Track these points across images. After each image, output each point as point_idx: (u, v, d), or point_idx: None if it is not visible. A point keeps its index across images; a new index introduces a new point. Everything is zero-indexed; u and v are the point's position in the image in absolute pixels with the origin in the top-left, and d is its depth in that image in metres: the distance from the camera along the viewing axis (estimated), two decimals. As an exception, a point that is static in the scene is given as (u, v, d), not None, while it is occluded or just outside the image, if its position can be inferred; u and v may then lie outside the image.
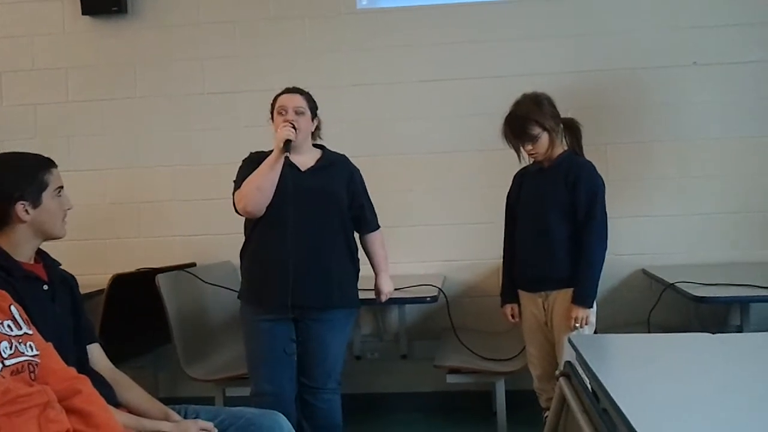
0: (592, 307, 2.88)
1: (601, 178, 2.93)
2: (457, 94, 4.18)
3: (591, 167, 2.94)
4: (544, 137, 2.90)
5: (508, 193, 3.17)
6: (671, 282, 3.33)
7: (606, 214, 2.90)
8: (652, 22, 4.08)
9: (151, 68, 4.35)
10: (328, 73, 4.18)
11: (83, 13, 4.32)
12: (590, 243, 2.87)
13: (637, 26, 4.10)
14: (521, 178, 3.12)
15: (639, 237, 3.94)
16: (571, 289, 2.89)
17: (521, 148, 2.96)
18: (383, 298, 3.12)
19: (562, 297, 2.92)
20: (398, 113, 4.22)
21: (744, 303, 3.38)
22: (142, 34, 4.34)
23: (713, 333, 2.05)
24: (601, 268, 2.91)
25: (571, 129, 3.00)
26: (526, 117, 2.89)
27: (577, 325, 2.84)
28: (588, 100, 3.92)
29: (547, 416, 2.68)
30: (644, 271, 3.91)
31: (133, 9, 4.34)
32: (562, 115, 2.99)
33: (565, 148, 3.00)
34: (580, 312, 2.85)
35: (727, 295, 3.16)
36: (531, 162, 3.04)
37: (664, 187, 4.07)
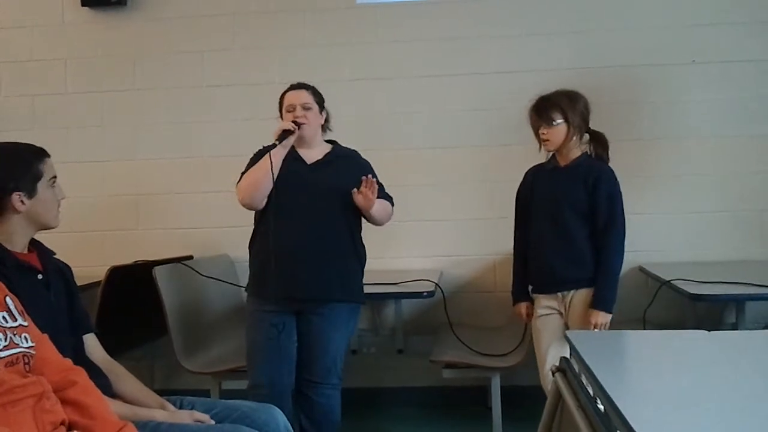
0: (612, 312, 2.87)
1: (618, 183, 2.93)
2: (456, 90, 4.17)
3: (611, 171, 2.93)
4: (562, 128, 2.89)
5: (519, 190, 3.14)
6: (667, 279, 3.34)
7: (624, 217, 2.90)
8: (652, 19, 4.08)
9: (151, 60, 4.34)
10: (327, 67, 4.17)
11: (83, 5, 4.31)
12: (611, 248, 2.87)
13: (636, 24, 4.09)
14: (533, 177, 3.08)
15: (636, 234, 3.89)
16: (588, 289, 2.88)
17: (538, 131, 2.94)
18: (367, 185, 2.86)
19: (578, 297, 2.91)
20: (396, 108, 4.21)
21: (740, 301, 3.38)
22: (141, 26, 4.33)
23: (709, 330, 2.05)
24: (620, 272, 2.91)
25: (600, 141, 2.97)
26: (553, 101, 2.90)
27: (597, 330, 2.82)
28: (587, 96, 3.91)
29: None
30: (641, 269, 3.91)
31: (133, 1, 4.33)
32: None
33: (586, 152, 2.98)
34: (601, 317, 2.84)
35: (723, 293, 3.16)
36: (541, 149, 3.01)
37: (661, 184, 4.07)
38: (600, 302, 2.85)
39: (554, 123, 2.89)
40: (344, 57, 4.23)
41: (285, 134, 2.86)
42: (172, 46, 4.32)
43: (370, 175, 2.86)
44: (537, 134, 2.97)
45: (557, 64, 4.04)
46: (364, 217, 3.01)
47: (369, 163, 3.09)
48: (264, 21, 4.28)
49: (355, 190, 2.86)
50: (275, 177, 2.84)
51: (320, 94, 3.04)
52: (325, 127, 3.09)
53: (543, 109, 2.91)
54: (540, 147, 3.00)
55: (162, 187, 4.32)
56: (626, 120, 4.02)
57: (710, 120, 4.06)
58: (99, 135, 4.36)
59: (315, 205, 2.89)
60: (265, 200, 2.88)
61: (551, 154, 3.04)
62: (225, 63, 4.29)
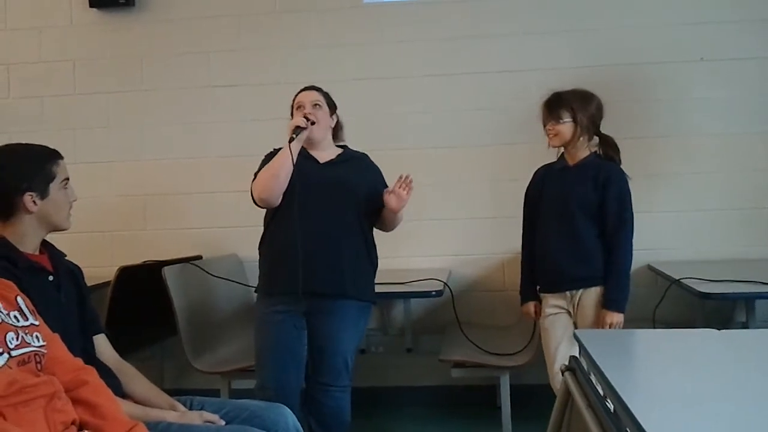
0: (625, 311, 2.86)
1: (627, 183, 2.93)
2: (463, 89, 4.17)
3: (621, 171, 2.94)
4: (569, 126, 2.91)
5: (528, 189, 3.14)
6: (677, 278, 3.33)
7: (633, 216, 2.90)
8: (659, 17, 4.07)
9: (158, 61, 4.35)
10: (333, 67, 4.18)
11: (91, 6, 4.32)
12: (621, 247, 2.87)
13: (643, 22, 4.08)
14: (543, 176, 3.09)
15: (645, 233, 3.88)
16: (597, 288, 2.88)
17: (546, 126, 2.96)
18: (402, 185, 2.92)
19: (587, 296, 2.90)
20: (403, 108, 4.21)
21: (749, 299, 3.38)
22: (148, 27, 4.35)
23: (719, 329, 2.05)
24: (630, 270, 2.91)
25: (610, 145, 2.97)
26: (564, 99, 2.92)
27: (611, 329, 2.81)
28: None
29: None
30: (650, 267, 3.90)
31: (140, 2, 4.34)
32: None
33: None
34: (615, 317, 2.83)
35: (732, 292, 3.14)
36: (550, 146, 3.02)
37: (670, 182, 4.06)
38: (612, 302, 2.85)
39: (562, 121, 2.91)
40: (350, 57, 4.23)
41: (297, 130, 2.88)
42: (179, 46, 4.33)
43: (409, 174, 2.89)
44: (545, 128, 2.98)
45: (563, 63, 4.03)
46: (378, 223, 3.05)
47: (378, 166, 3.11)
48: (270, 21, 4.28)
49: (388, 189, 2.91)
50: (294, 161, 2.85)
51: (331, 98, 3.08)
52: (337, 135, 3.11)
53: (553, 106, 2.93)
54: (549, 143, 3.01)
55: (169, 187, 4.34)
56: (634, 118, 4.01)
57: (717, 117, 4.04)
58: (106, 135, 4.37)
59: (327, 202, 2.90)
60: (281, 197, 2.89)
61: (561, 153, 3.04)
62: (231, 63, 4.30)
